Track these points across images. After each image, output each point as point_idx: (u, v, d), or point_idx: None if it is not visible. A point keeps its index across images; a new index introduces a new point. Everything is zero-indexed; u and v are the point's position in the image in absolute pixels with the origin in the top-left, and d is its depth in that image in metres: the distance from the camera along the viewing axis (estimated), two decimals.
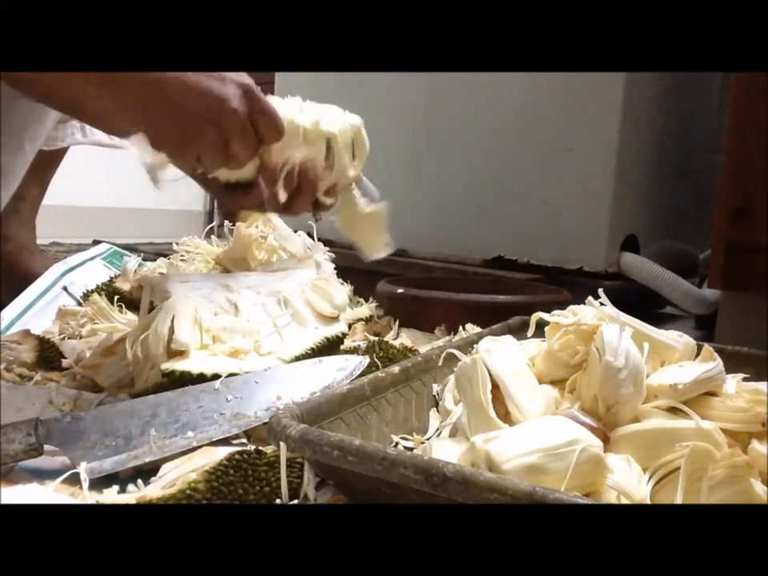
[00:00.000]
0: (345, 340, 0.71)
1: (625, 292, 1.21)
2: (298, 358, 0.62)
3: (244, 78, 0.58)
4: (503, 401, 0.44)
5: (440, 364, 0.56)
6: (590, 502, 0.31)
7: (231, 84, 0.57)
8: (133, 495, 0.42)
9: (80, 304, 0.85)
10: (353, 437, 0.39)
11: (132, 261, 0.92)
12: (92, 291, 0.85)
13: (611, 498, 0.38)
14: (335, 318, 0.69)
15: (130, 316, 0.79)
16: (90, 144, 1.01)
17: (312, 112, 0.67)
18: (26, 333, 0.69)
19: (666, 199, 1.35)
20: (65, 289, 0.88)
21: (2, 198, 0.86)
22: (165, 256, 0.97)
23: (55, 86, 0.54)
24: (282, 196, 0.65)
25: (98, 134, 1.00)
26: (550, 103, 1.26)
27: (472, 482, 0.33)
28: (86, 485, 0.42)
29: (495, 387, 0.45)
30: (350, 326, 0.77)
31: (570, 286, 1.01)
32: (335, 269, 0.78)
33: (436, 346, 0.72)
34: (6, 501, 0.36)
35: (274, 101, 0.63)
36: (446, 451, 0.43)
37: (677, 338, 0.50)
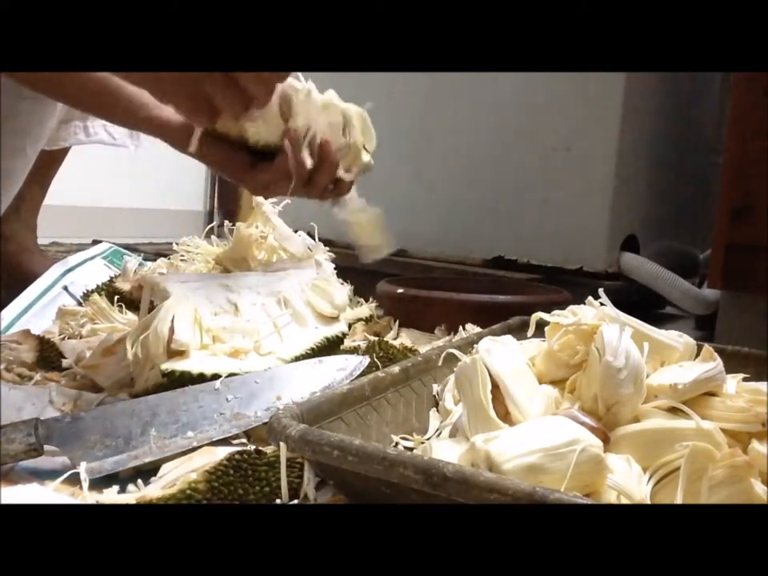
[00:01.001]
0: (345, 340, 0.71)
1: (625, 292, 1.21)
2: (298, 358, 0.62)
3: None
4: (503, 401, 0.44)
5: (440, 364, 0.56)
6: (590, 502, 0.31)
7: None
8: (133, 495, 0.42)
9: (80, 304, 0.85)
10: (353, 437, 0.39)
11: (132, 261, 0.92)
12: (92, 291, 0.85)
13: (611, 498, 0.38)
14: (335, 318, 0.69)
15: (130, 316, 0.79)
16: (92, 143, 1.01)
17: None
18: (26, 333, 0.69)
19: (666, 199, 1.35)
20: (65, 289, 0.88)
21: (2, 200, 0.86)
22: (165, 256, 0.97)
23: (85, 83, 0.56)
24: (308, 161, 0.64)
25: (100, 134, 1.00)
26: (550, 103, 1.25)
27: (472, 482, 0.33)
28: (85, 485, 0.42)
29: (495, 387, 0.45)
30: (349, 326, 0.77)
31: (570, 285, 1.01)
32: (335, 269, 0.78)
33: (436, 346, 0.72)
34: (6, 501, 0.36)
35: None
36: (445, 451, 0.43)
37: (677, 338, 0.50)
